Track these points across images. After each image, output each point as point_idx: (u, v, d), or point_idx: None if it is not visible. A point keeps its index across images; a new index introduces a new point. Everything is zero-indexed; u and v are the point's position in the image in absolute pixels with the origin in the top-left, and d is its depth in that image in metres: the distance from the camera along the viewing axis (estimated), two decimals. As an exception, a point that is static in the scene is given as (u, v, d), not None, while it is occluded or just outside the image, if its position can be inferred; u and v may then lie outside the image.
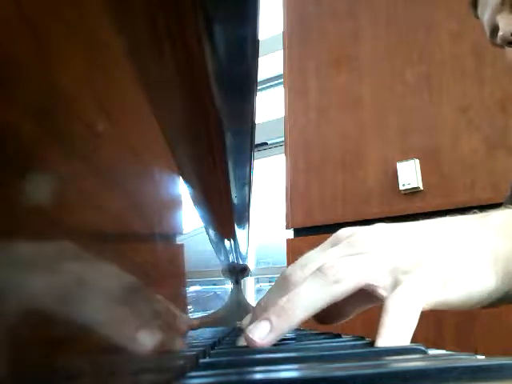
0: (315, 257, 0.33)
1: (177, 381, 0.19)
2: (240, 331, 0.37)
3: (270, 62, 2.26)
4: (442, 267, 0.30)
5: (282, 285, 0.32)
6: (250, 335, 0.28)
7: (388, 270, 0.30)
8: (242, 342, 0.34)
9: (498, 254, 0.31)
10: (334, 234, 0.34)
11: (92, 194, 0.13)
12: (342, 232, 0.33)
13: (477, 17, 0.74)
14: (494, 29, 0.67)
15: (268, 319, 0.29)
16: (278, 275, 0.34)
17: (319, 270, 0.30)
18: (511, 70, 0.70)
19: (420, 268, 0.30)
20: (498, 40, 0.65)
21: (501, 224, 0.34)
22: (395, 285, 0.29)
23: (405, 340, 0.27)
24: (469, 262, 0.31)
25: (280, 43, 1.85)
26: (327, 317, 0.37)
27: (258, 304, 0.34)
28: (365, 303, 0.35)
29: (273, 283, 0.35)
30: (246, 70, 0.34)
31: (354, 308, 0.36)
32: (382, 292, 0.30)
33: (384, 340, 0.27)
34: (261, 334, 0.28)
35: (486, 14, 0.68)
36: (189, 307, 0.34)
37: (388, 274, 0.30)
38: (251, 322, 0.33)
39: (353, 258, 0.30)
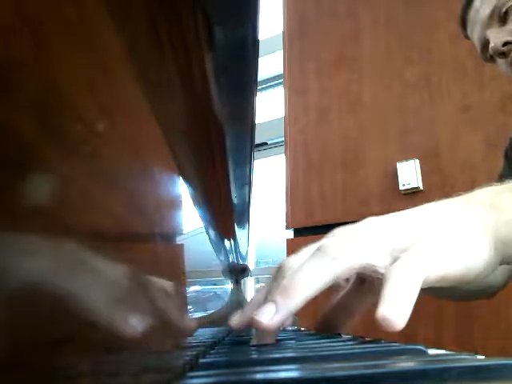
0: (311, 247, 0.34)
1: (177, 381, 0.19)
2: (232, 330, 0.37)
3: (270, 62, 2.26)
4: (438, 243, 0.31)
5: (281, 272, 0.33)
6: (257, 317, 0.29)
7: (387, 251, 0.30)
8: (255, 340, 0.34)
9: (486, 223, 0.32)
10: (330, 232, 0.35)
11: (92, 194, 0.13)
12: (338, 228, 0.34)
13: (467, 37, 0.76)
14: (485, 44, 0.69)
15: (273, 301, 0.29)
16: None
17: (318, 249, 0.31)
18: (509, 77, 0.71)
19: (417, 245, 0.30)
20: (490, 51, 0.67)
21: (484, 197, 0.35)
22: (394, 262, 0.30)
23: (406, 309, 0.27)
24: (461, 234, 0.31)
25: (280, 43, 1.85)
26: (330, 326, 0.37)
27: (251, 301, 0.35)
28: (367, 296, 0.35)
29: None
30: (246, 70, 0.34)
31: (359, 304, 0.36)
32: (382, 271, 0.30)
33: (386, 306, 0.27)
34: (268, 315, 0.28)
35: (475, 32, 0.71)
36: (189, 307, 0.34)
37: (386, 254, 0.30)
38: (241, 317, 0.34)
39: (351, 239, 0.31)
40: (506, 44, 0.65)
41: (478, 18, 0.69)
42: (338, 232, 0.33)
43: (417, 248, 0.30)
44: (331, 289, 0.32)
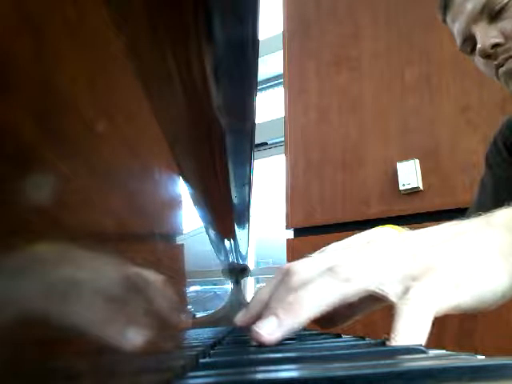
0: (324, 257, 0.33)
1: (177, 381, 0.19)
2: (241, 329, 0.37)
3: (270, 62, 2.26)
4: (452, 271, 0.30)
5: (287, 281, 0.32)
6: (258, 330, 0.28)
7: (398, 278, 0.30)
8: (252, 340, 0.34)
9: (505, 249, 0.31)
10: (346, 239, 0.34)
11: (92, 194, 0.13)
12: (355, 236, 0.33)
13: (444, 22, 0.71)
14: (468, 38, 0.65)
15: (276, 315, 0.29)
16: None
17: (330, 268, 0.30)
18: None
19: (429, 274, 0.29)
20: (477, 53, 0.63)
21: (505, 220, 0.33)
22: (405, 291, 0.29)
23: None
24: (477, 262, 0.30)
25: (280, 43, 1.85)
26: (331, 320, 0.37)
27: (255, 299, 0.34)
28: (371, 306, 0.35)
29: None
30: (246, 70, 0.34)
31: (360, 310, 0.36)
32: (392, 299, 0.29)
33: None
34: (268, 329, 0.28)
35: (458, 22, 0.66)
36: (189, 307, 0.34)
37: (398, 282, 0.30)
38: (245, 315, 0.33)
39: (363, 262, 0.30)
40: (494, 46, 0.61)
41: (464, 9, 0.64)
42: (351, 250, 0.32)
43: (429, 278, 0.29)
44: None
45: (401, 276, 0.30)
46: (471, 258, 0.31)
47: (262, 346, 0.30)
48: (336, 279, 0.29)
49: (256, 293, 0.34)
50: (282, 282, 0.32)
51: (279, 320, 0.28)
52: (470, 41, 0.65)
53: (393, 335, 0.27)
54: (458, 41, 0.67)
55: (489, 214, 0.34)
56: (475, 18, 0.62)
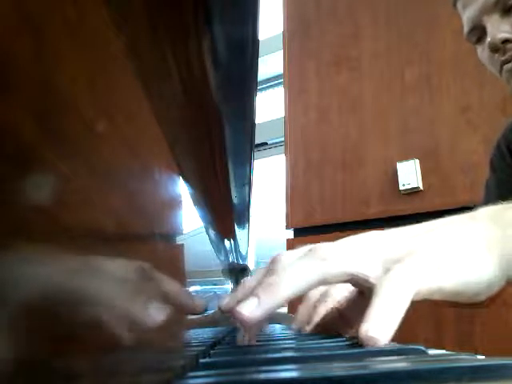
0: (306, 247, 0.34)
1: (177, 381, 0.19)
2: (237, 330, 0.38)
3: (270, 62, 2.26)
4: (434, 256, 0.30)
5: (271, 268, 0.33)
6: (239, 310, 0.29)
7: (379, 261, 0.30)
8: (241, 339, 0.34)
9: (491, 241, 0.31)
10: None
11: (92, 194, 0.13)
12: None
13: (454, 5, 0.68)
14: (477, 27, 0.63)
15: (256, 295, 0.29)
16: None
17: (309, 251, 0.31)
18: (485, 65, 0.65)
19: (411, 257, 0.29)
20: (487, 46, 0.61)
21: (489, 215, 0.34)
22: (386, 273, 0.29)
23: (391, 327, 0.27)
24: (461, 249, 0.31)
25: (280, 43, 1.85)
26: (333, 330, 0.37)
27: (241, 285, 0.34)
28: (366, 308, 0.35)
29: None
30: (246, 70, 0.34)
31: (358, 315, 0.36)
32: (373, 281, 0.29)
33: (370, 324, 0.27)
34: (249, 308, 0.29)
35: (470, 9, 0.63)
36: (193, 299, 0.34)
37: (379, 264, 0.30)
38: (230, 300, 0.34)
39: (344, 245, 0.31)
40: (504, 41, 0.59)
41: None
42: (335, 242, 0.32)
43: (410, 259, 0.29)
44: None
45: (382, 259, 0.30)
46: (455, 244, 0.31)
47: (259, 345, 0.30)
48: (313, 259, 0.30)
49: (243, 280, 0.35)
50: (268, 268, 0.33)
51: (259, 300, 0.29)
52: (478, 30, 0.63)
53: (364, 318, 0.27)
54: (466, 28, 0.65)
55: (472, 211, 0.35)
56: (488, 9, 0.60)
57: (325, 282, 0.30)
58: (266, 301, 0.29)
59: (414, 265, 0.29)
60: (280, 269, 0.31)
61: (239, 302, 0.31)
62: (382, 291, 0.28)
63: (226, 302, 0.34)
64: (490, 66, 0.64)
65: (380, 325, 0.27)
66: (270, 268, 0.33)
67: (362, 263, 0.30)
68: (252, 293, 0.30)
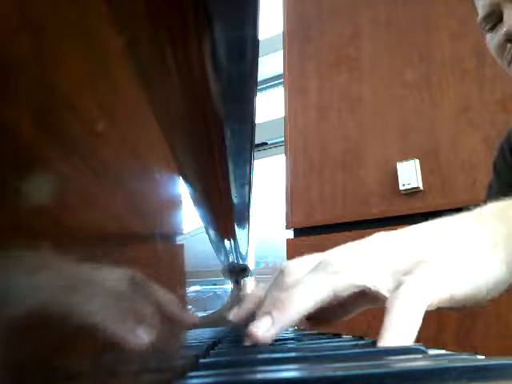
0: (316, 255, 0.33)
1: (177, 381, 0.19)
2: (239, 329, 0.38)
3: (270, 62, 2.26)
4: (443, 264, 0.30)
5: (281, 281, 0.33)
6: (254, 330, 0.29)
7: (389, 273, 0.30)
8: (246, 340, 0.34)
9: (496, 237, 0.31)
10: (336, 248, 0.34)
11: (92, 194, 0.13)
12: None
13: None
14: (493, 14, 0.60)
15: (269, 313, 0.29)
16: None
17: (319, 263, 0.30)
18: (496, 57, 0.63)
19: (420, 267, 0.29)
20: (502, 35, 0.59)
21: (494, 211, 0.34)
22: (397, 286, 0.29)
23: (408, 341, 0.27)
24: (469, 254, 0.30)
25: (280, 43, 1.85)
26: (329, 315, 0.37)
27: (250, 296, 0.35)
28: (368, 304, 0.35)
29: None
30: (246, 70, 0.34)
31: (356, 308, 0.36)
32: (384, 294, 0.29)
33: (387, 341, 0.27)
34: (263, 328, 0.29)
35: None
36: (189, 307, 0.34)
37: (389, 276, 0.30)
38: (239, 311, 0.34)
39: (354, 256, 0.31)
40: None
41: None
42: (344, 247, 0.32)
43: (420, 271, 0.29)
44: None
45: (392, 270, 0.30)
46: (462, 249, 0.31)
47: (259, 345, 0.30)
48: (325, 273, 0.30)
49: (252, 290, 0.35)
50: (276, 281, 0.33)
51: (273, 319, 0.29)
52: (494, 17, 0.61)
53: (382, 331, 0.27)
54: (481, 13, 0.62)
55: (478, 208, 0.34)
56: None
57: (336, 294, 0.30)
58: (279, 319, 0.29)
59: (425, 277, 0.29)
60: (291, 283, 0.31)
61: (248, 312, 0.31)
62: (395, 308, 0.28)
63: (236, 312, 0.35)
64: (498, 55, 0.62)
65: (398, 340, 0.27)
66: (279, 280, 0.33)
67: (372, 276, 0.30)
68: (265, 311, 0.30)
